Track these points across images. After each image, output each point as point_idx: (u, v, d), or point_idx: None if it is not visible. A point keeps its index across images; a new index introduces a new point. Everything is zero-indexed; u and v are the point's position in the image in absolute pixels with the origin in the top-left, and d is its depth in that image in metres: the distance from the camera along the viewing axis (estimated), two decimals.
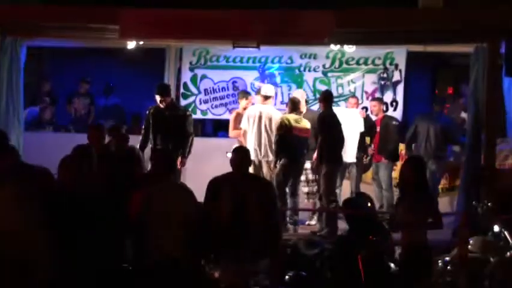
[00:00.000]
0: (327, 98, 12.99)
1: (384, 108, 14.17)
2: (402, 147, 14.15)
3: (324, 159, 12.35)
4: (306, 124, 12.63)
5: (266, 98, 13.25)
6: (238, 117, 13.51)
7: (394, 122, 13.62)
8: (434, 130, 13.51)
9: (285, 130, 12.41)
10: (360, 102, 14.80)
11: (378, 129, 13.37)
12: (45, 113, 16.32)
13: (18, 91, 13.69)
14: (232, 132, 13.65)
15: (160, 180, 7.96)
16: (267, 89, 13.61)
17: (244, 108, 13.53)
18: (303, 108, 13.12)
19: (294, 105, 12.77)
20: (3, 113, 13.29)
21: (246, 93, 14.12)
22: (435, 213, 8.42)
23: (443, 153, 13.54)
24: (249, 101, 13.73)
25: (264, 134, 12.88)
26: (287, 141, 12.41)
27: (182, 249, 7.42)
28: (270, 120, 12.92)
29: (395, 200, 13.19)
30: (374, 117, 14.24)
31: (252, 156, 12.44)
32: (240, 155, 8.56)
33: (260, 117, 12.93)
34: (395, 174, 13.99)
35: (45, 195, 6.23)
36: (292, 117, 12.56)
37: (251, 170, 12.32)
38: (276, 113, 13.24)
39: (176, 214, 7.49)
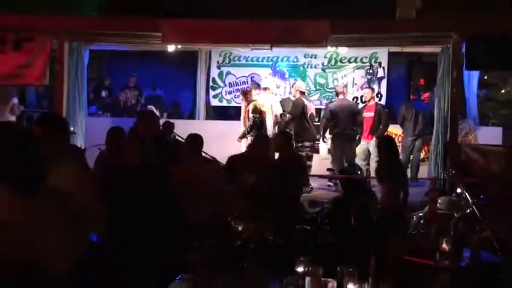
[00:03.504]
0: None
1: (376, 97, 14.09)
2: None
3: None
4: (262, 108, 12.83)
5: (265, 89, 13.36)
6: None
7: (386, 110, 13.48)
8: (421, 115, 13.41)
9: (259, 113, 12.59)
10: (351, 92, 14.88)
11: (372, 114, 13.21)
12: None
13: (83, 85, 13.77)
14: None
15: (191, 158, 7.99)
16: (266, 82, 13.77)
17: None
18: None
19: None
20: (71, 103, 13.39)
21: (257, 85, 14.15)
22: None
23: (428, 132, 13.40)
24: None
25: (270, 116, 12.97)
26: (261, 122, 12.62)
27: (212, 210, 7.46)
28: (271, 106, 13.05)
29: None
30: (363, 103, 14.34)
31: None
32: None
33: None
34: None
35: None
36: (259, 103, 12.72)
37: None
38: (274, 99, 13.41)
39: (206, 183, 7.52)
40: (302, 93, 13.23)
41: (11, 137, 4.45)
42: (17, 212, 4.22)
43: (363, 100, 14.41)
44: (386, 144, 9.09)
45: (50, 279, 4.21)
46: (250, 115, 12.64)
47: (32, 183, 4.27)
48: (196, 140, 8.16)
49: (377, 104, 13.44)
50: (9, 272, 4.13)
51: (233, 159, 8.87)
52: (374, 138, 13.02)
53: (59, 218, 4.33)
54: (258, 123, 12.55)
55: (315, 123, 13.17)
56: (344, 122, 12.90)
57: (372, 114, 13.16)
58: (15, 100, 14.77)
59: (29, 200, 4.23)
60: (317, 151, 13.51)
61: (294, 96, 13.18)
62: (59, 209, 4.35)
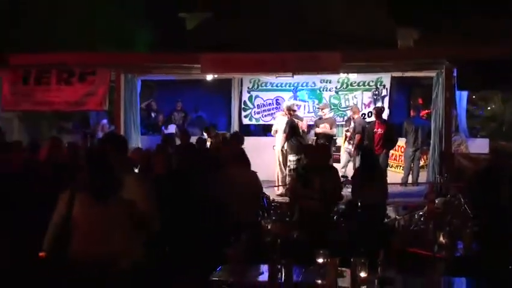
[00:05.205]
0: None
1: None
2: None
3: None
4: None
5: (291, 111, 13.06)
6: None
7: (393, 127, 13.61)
8: (420, 129, 13.45)
9: None
10: (360, 110, 14.85)
11: (382, 131, 13.08)
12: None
13: (136, 110, 13.89)
14: None
15: (234, 166, 7.99)
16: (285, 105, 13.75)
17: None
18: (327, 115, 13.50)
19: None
20: (128, 124, 13.49)
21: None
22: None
23: (426, 144, 13.30)
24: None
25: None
26: None
27: (250, 212, 7.50)
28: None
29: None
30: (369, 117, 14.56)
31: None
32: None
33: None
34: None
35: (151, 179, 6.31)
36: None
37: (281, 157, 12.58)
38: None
39: (247, 188, 7.52)
40: (292, 113, 12.84)
41: (90, 156, 4.64)
42: (93, 216, 4.37)
43: (371, 115, 14.47)
44: (367, 154, 9.35)
45: (117, 274, 4.33)
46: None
47: (106, 193, 4.42)
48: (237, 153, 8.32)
49: (386, 122, 13.52)
50: (87, 269, 4.26)
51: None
52: (385, 151, 13.02)
53: (126, 222, 4.45)
54: None
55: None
56: (366, 137, 13.12)
57: (382, 131, 13.12)
58: (105, 121, 15.23)
59: (103, 206, 4.38)
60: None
61: (285, 116, 12.82)
62: (126, 215, 4.48)
